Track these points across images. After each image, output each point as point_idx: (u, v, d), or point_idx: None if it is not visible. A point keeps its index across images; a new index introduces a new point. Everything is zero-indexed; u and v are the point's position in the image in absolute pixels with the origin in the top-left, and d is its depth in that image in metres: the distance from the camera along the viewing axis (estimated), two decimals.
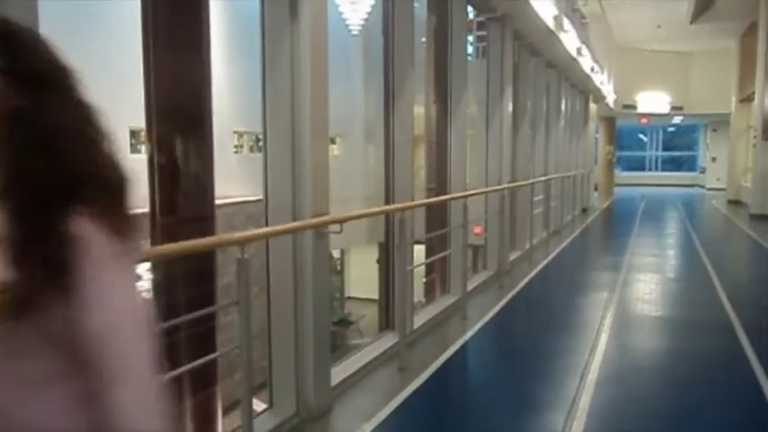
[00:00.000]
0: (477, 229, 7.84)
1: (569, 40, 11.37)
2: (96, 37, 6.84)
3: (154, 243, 3.89)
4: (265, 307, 3.64)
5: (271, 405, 3.65)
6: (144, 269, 6.41)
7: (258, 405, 3.67)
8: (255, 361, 2.94)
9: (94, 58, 6.71)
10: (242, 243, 2.73)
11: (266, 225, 3.55)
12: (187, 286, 3.76)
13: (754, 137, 15.84)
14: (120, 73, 6.44)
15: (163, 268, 4.03)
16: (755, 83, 15.61)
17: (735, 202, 19.48)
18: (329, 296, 4.09)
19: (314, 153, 3.54)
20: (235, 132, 9.55)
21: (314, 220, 3.51)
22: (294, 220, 3.52)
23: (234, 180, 8.24)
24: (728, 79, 21.51)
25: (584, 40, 13.78)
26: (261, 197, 3.71)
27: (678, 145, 34.92)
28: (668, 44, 22.80)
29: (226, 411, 4.68)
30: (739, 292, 7.15)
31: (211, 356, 3.04)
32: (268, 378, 3.65)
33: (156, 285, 4.43)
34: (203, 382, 3.89)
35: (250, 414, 2.84)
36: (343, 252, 14.71)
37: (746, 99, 18.83)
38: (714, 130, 28.62)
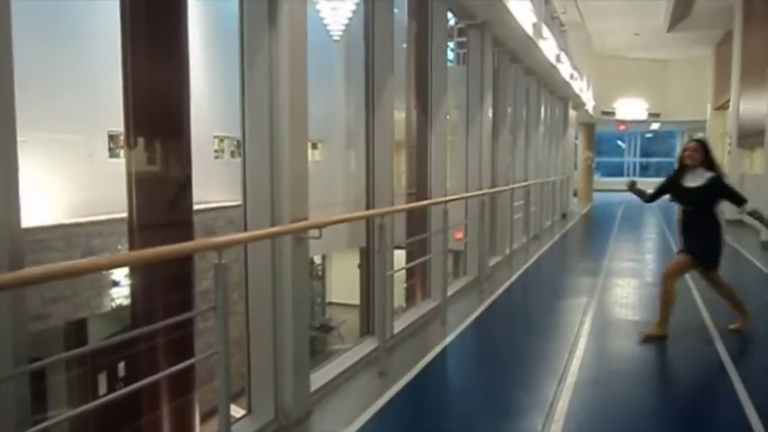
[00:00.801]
0: (458, 235, 7.87)
1: (548, 47, 11.50)
2: (74, 40, 6.75)
3: (132, 248, 3.87)
4: (245, 313, 3.62)
5: (249, 411, 3.63)
6: (122, 274, 6.36)
7: (237, 411, 3.65)
8: (235, 367, 2.91)
9: (72, 62, 6.63)
10: (219, 248, 2.72)
11: (245, 230, 3.54)
12: (165, 292, 3.74)
13: (729, 144, 16.12)
14: (99, 77, 6.37)
15: (141, 274, 4.00)
16: (730, 91, 15.90)
17: None
18: (308, 301, 4.09)
19: (293, 158, 3.54)
20: (215, 137, 9.48)
21: (293, 226, 3.51)
22: (273, 225, 3.52)
23: (215, 185, 8.18)
24: (704, 87, 21.87)
25: (564, 47, 13.94)
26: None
27: (656, 151, 35.39)
28: (646, 52, 23.15)
29: (204, 418, 4.64)
30: (714, 293, 7.24)
31: (188, 362, 3.01)
32: (246, 384, 3.63)
33: (134, 291, 4.40)
34: (181, 388, 3.86)
35: (228, 420, 2.81)
36: (324, 257, 14.68)
37: (722, 107, 19.16)
38: (691, 137, 29.08)
